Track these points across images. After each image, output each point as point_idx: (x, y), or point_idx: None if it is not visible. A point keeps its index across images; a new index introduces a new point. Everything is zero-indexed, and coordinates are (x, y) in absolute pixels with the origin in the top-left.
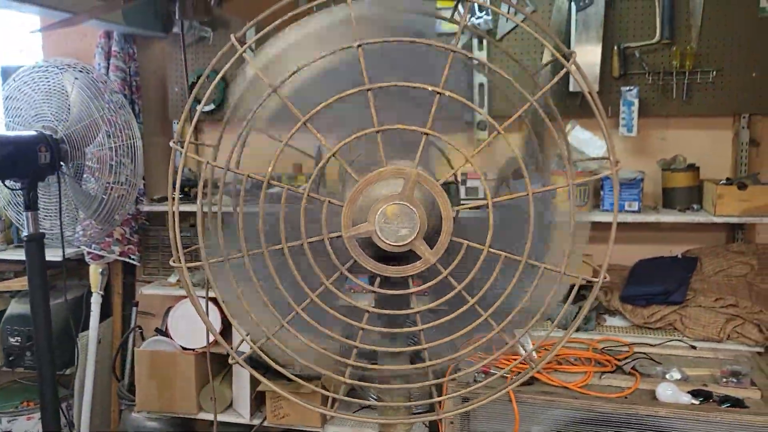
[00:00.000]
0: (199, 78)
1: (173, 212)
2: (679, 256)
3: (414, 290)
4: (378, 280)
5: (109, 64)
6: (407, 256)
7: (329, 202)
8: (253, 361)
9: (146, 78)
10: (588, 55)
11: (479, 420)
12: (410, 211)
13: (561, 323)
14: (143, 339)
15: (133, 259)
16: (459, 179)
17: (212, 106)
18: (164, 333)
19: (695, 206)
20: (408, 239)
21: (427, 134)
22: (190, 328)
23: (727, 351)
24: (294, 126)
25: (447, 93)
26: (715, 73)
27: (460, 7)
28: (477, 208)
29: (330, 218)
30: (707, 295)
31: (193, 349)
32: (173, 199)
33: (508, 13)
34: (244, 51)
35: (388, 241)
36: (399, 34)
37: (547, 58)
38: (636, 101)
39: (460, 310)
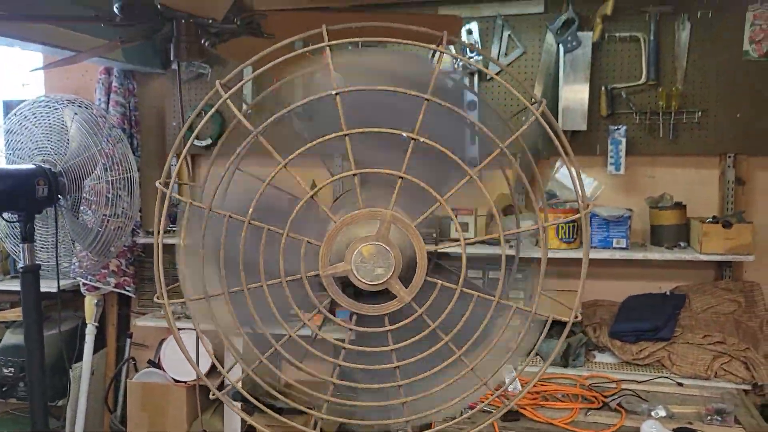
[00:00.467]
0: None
1: (157, 251)
2: (668, 292)
3: (389, 328)
4: (355, 316)
5: (109, 99)
6: (385, 293)
7: (307, 241)
8: (245, 395)
9: (145, 113)
10: (576, 94)
11: None
12: (385, 252)
13: (553, 359)
14: (137, 370)
15: (128, 291)
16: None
17: (209, 141)
18: (157, 365)
19: (682, 244)
20: (383, 278)
21: (402, 177)
22: (182, 360)
23: (714, 388)
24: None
25: (422, 139)
26: (700, 113)
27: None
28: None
29: (312, 255)
30: (695, 331)
31: (185, 382)
32: (158, 238)
33: (487, 68)
34: (228, 98)
35: (364, 280)
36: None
37: (538, 93)
38: (623, 140)
39: (433, 349)
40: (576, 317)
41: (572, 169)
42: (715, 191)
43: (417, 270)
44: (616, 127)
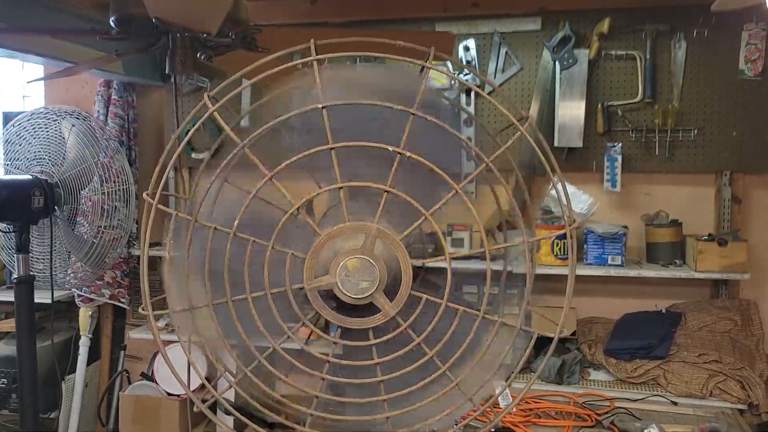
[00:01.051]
0: (191, 126)
1: (143, 262)
2: (664, 310)
3: (373, 342)
4: (339, 330)
5: (108, 111)
6: (371, 306)
7: (292, 254)
8: (238, 408)
9: (144, 125)
10: (573, 111)
11: None
12: (370, 265)
13: (544, 375)
14: (130, 383)
15: (122, 303)
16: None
17: (206, 154)
18: (150, 378)
19: (678, 261)
20: (368, 292)
21: (387, 192)
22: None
23: (709, 408)
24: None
25: (407, 154)
26: (696, 131)
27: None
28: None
29: (299, 268)
30: (691, 350)
31: (178, 395)
32: (144, 249)
33: (479, 85)
34: (215, 110)
35: (348, 294)
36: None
37: (534, 109)
38: (619, 157)
39: (418, 363)
40: (561, 332)
41: (558, 186)
42: (711, 209)
43: (402, 284)
44: (612, 145)
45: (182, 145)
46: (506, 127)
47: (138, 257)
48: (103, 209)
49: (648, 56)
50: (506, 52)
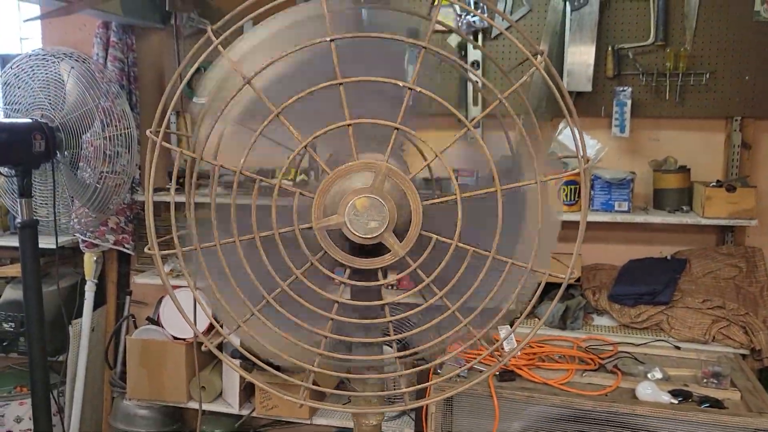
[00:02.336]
0: (197, 70)
1: (149, 201)
2: (669, 257)
3: (382, 282)
4: (348, 271)
5: (107, 54)
6: (381, 249)
7: (300, 193)
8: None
9: (144, 69)
10: (582, 55)
11: (461, 415)
12: (380, 204)
13: (548, 321)
14: (136, 327)
15: (127, 249)
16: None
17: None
18: (156, 322)
19: (685, 208)
20: (377, 232)
21: (397, 129)
22: (181, 318)
23: (711, 352)
24: (265, 119)
25: (419, 89)
26: (708, 75)
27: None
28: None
29: (305, 210)
30: (695, 296)
31: (184, 339)
32: (149, 187)
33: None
34: (219, 42)
35: (357, 234)
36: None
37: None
38: (629, 102)
39: (427, 304)
40: (572, 276)
41: (574, 128)
42: (720, 155)
43: (412, 224)
44: (621, 89)
45: (185, 81)
46: (520, 63)
47: (142, 203)
48: (106, 154)
49: None
50: None
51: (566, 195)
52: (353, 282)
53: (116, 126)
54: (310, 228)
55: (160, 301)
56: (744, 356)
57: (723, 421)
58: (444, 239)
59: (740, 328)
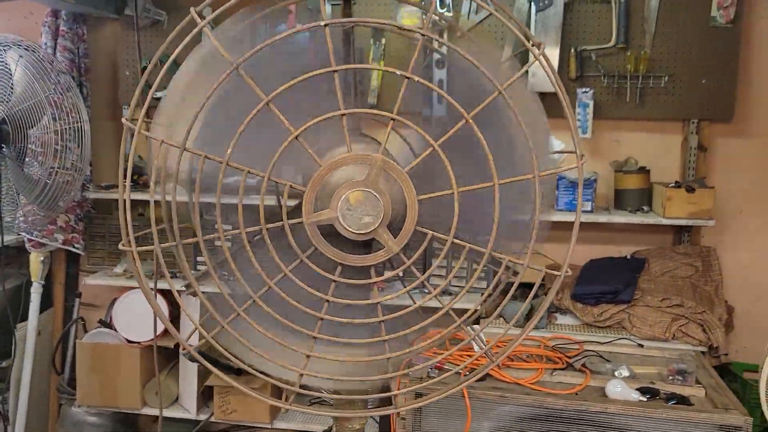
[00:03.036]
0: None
1: (124, 192)
2: (629, 256)
3: (375, 280)
4: (339, 268)
5: (56, 44)
6: (369, 244)
7: (291, 186)
8: (202, 355)
9: (96, 60)
10: (547, 54)
11: (431, 416)
12: (374, 199)
13: (513, 319)
14: (86, 331)
15: (77, 248)
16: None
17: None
18: (108, 325)
19: (645, 208)
20: (371, 227)
21: (393, 119)
22: (135, 320)
23: (673, 350)
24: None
25: (416, 78)
26: (667, 78)
27: None
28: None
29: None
30: (654, 295)
31: (139, 342)
32: (124, 180)
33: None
34: (204, 25)
35: (350, 229)
36: None
37: (507, 54)
38: (591, 103)
39: (422, 302)
40: (567, 271)
41: (570, 115)
42: (678, 157)
43: (407, 219)
44: (584, 90)
45: (168, 63)
46: (520, 50)
47: (93, 201)
48: (56, 149)
49: (623, 0)
50: None
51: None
52: (347, 280)
53: (66, 119)
54: (300, 223)
55: (112, 303)
56: (703, 353)
57: (690, 418)
58: (440, 236)
59: (698, 325)
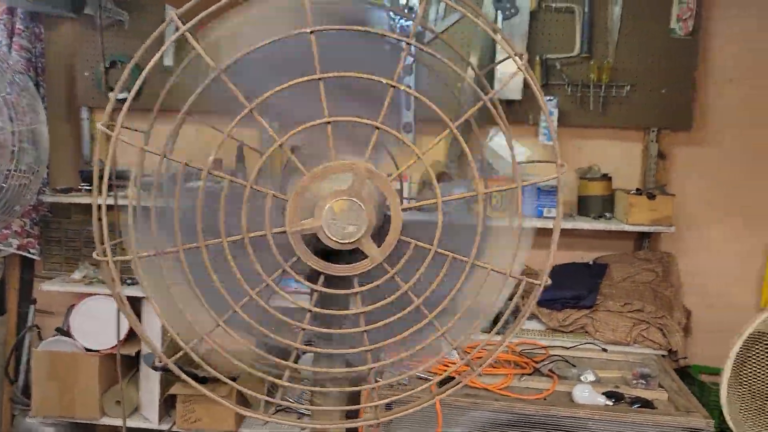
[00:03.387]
0: (113, 63)
1: (97, 201)
2: (591, 262)
3: (358, 290)
4: (322, 278)
5: (11, 42)
6: (345, 254)
7: (274, 195)
8: (178, 366)
9: (52, 60)
10: (512, 64)
11: (402, 422)
12: (359, 208)
13: (490, 327)
14: (41, 339)
15: (32, 254)
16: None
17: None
18: (66, 333)
19: (608, 214)
20: (355, 237)
21: (378, 128)
22: (94, 327)
23: (635, 354)
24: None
25: (402, 87)
26: (629, 87)
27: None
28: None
29: (271, 213)
30: (616, 300)
31: (98, 350)
32: (100, 185)
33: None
34: (187, 29)
35: (334, 238)
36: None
37: (475, 60)
38: (556, 111)
39: (406, 311)
40: (548, 282)
41: (553, 132)
42: (638, 164)
43: (391, 229)
44: (549, 98)
45: (130, 66)
46: (501, 60)
47: (49, 205)
48: (12, 151)
49: (586, 10)
50: None
51: (498, 200)
52: (325, 289)
53: (23, 120)
54: (283, 233)
55: (69, 310)
56: (663, 357)
57: (656, 421)
58: (423, 245)
59: (658, 330)
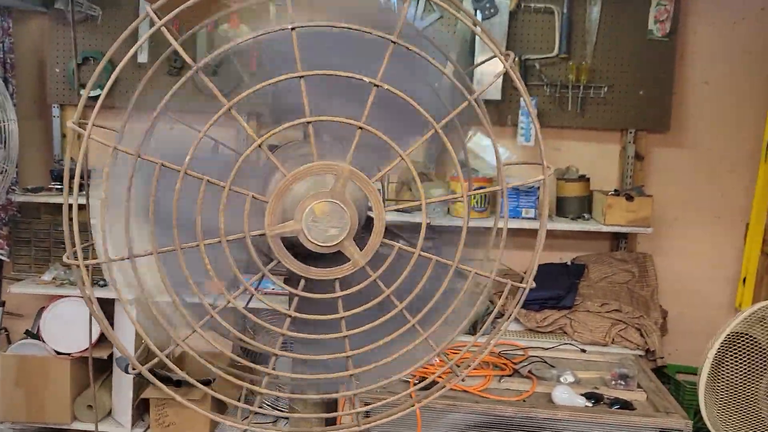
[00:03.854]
0: (86, 59)
1: (68, 202)
2: (569, 263)
3: (339, 294)
4: (302, 282)
5: None
6: (326, 256)
7: (253, 197)
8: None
9: (22, 56)
10: (491, 64)
11: (380, 426)
12: (341, 210)
13: (469, 330)
14: (9, 342)
15: (1, 255)
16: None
17: (99, 91)
18: (35, 336)
19: (586, 215)
20: (337, 239)
21: (361, 128)
22: (66, 330)
23: (613, 354)
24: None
25: (386, 86)
26: (607, 89)
27: None
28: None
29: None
30: (594, 300)
31: (69, 354)
32: (73, 188)
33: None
34: (163, 24)
35: (315, 241)
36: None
37: (453, 59)
38: (534, 111)
39: (390, 315)
40: (533, 285)
41: (539, 134)
42: (616, 165)
43: (374, 232)
44: None
45: (103, 63)
46: (485, 60)
47: (18, 205)
48: None
49: (565, 11)
50: None
51: (477, 202)
52: (310, 294)
53: None
54: (263, 235)
55: (39, 313)
56: (640, 356)
57: (635, 422)
58: (406, 248)
59: (635, 330)
